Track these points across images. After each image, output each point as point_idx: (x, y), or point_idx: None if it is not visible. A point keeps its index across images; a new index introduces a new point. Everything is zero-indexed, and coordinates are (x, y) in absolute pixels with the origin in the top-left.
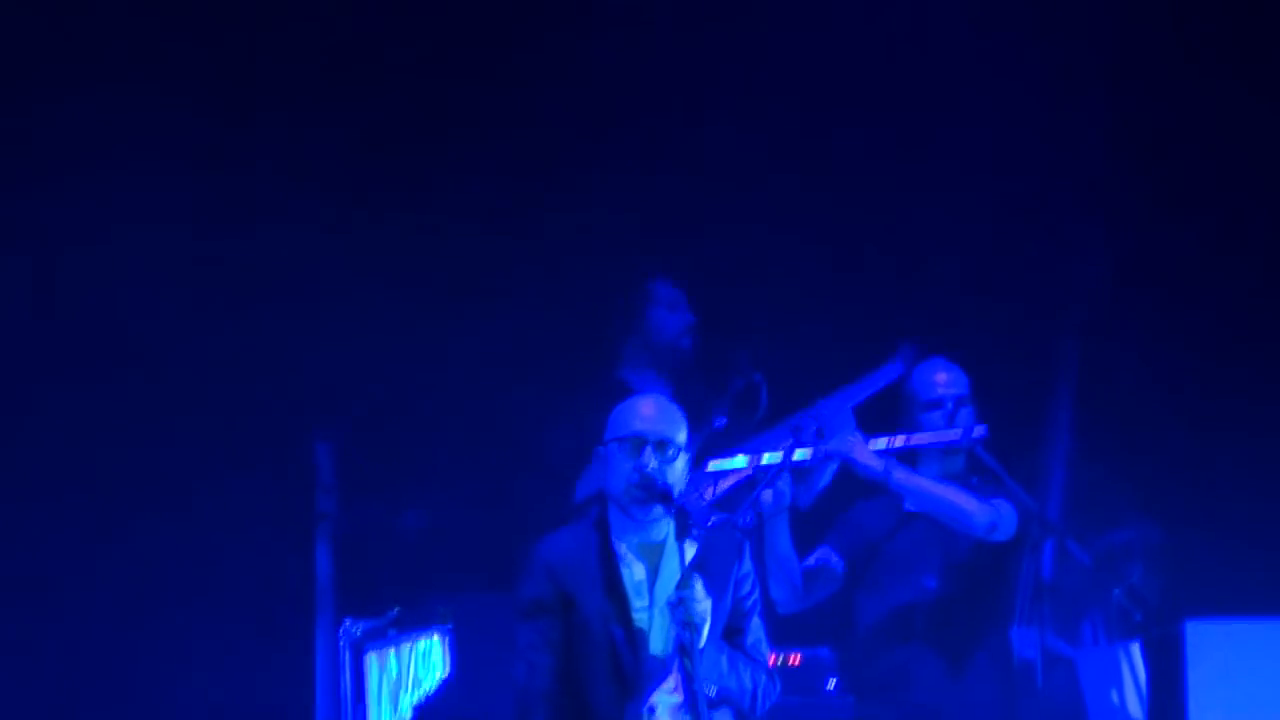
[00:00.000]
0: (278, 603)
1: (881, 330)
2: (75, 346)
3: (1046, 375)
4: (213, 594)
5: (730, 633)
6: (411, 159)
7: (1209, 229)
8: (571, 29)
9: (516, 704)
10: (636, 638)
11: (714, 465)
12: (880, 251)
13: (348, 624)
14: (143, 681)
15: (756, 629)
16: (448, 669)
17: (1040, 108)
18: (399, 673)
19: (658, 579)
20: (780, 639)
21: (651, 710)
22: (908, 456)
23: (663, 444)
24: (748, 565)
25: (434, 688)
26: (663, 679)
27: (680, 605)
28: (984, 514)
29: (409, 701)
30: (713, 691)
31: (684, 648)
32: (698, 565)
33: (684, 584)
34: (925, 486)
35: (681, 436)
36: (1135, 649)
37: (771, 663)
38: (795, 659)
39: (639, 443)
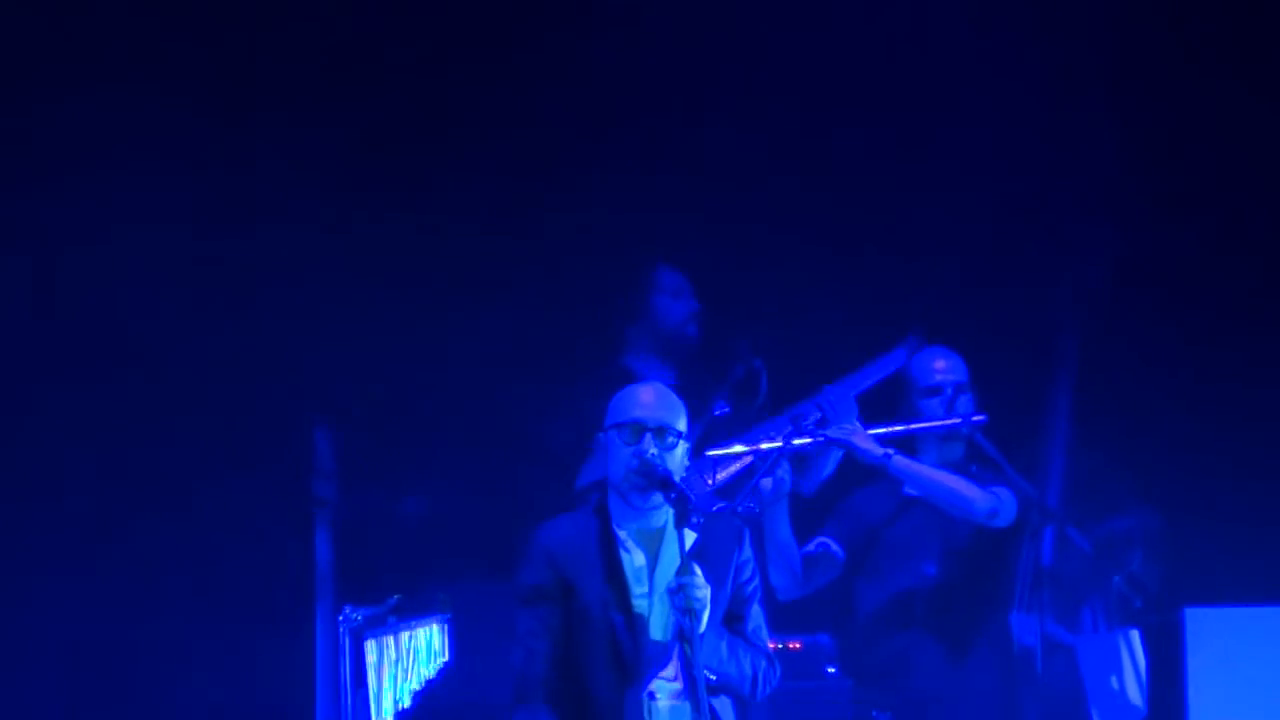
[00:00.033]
0: (277, 590)
1: (882, 318)
2: (75, 338)
3: (1046, 362)
4: (212, 581)
5: (730, 619)
6: (412, 154)
7: (1209, 220)
8: (572, 27)
9: (515, 690)
10: (636, 624)
11: (714, 452)
12: (881, 240)
13: (347, 611)
14: (142, 668)
15: (757, 615)
16: (447, 656)
17: (1040, 98)
18: (399, 660)
19: (658, 565)
20: (780, 626)
21: (651, 696)
22: (906, 444)
23: (662, 431)
24: (748, 552)
25: (434, 675)
26: (662, 665)
27: (680, 592)
28: (984, 500)
29: (409, 689)
30: (712, 677)
31: (684, 634)
32: (697, 552)
33: (683, 570)
34: (925, 473)
35: (681, 423)
36: (1135, 636)
37: (771, 649)
38: (795, 645)
39: (638, 429)
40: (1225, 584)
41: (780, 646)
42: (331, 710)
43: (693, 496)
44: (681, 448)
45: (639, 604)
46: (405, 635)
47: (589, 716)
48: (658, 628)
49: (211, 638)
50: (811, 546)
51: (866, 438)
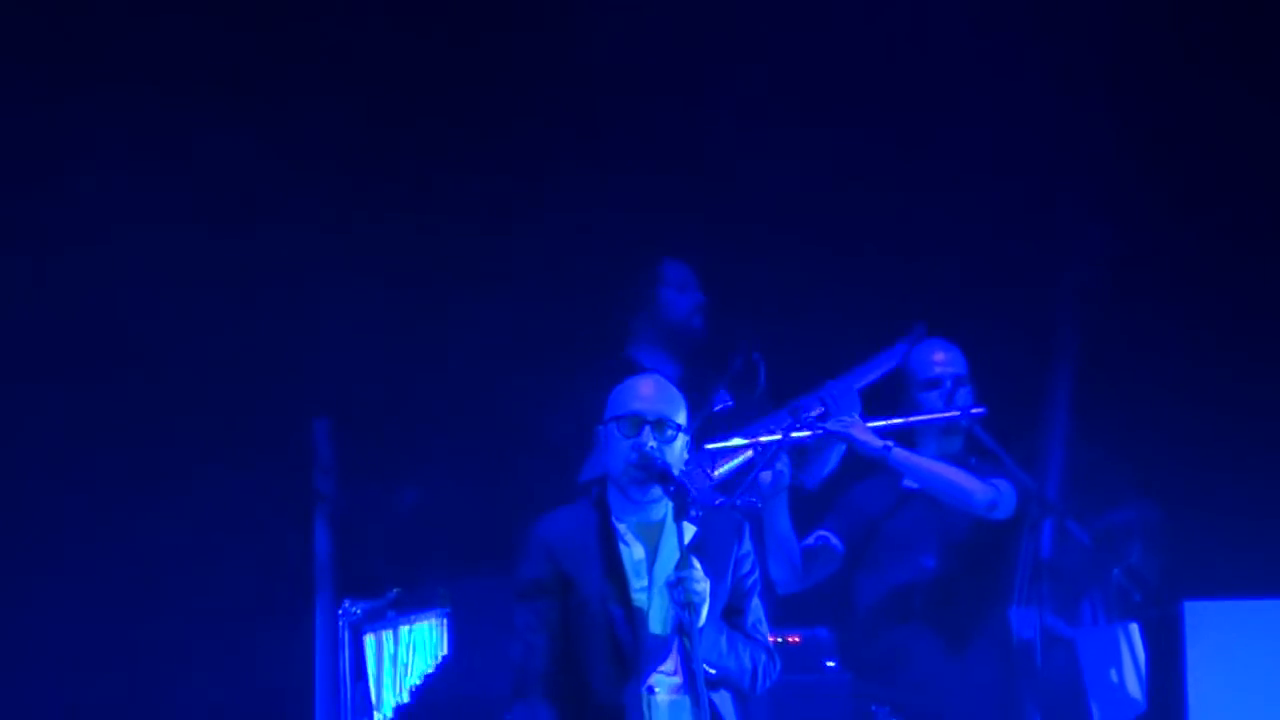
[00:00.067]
0: (277, 583)
1: (882, 314)
2: (75, 337)
3: (1045, 355)
4: (212, 575)
5: (730, 613)
6: (410, 150)
7: (1208, 216)
8: (572, 23)
9: (514, 684)
10: (635, 617)
11: (712, 446)
12: (881, 237)
13: (347, 605)
14: (141, 663)
15: (756, 609)
16: (447, 650)
17: (1040, 98)
18: (398, 654)
19: (657, 559)
20: (779, 619)
21: (650, 690)
22: (906, 436)
23: (661, 423)
24: (747, 545)
25: (433, 669)
26: (662, 659)
27: (679, 585)
28: (984, 492)
29: (408, 683)
30: (712, 672)
31: (683, 628)
32: (697, 546)
33: (683, 564)
34: (925, 465)
35: (680, 416)
36: (1134, 629)
37: (771, 643)
38: (794, 639)
39: (637, 422)
40: (1225, 577)
41: (779, 640)
42: (331, 704)
43: (692, 490)
44: (681, 441)
45: (638, 598)
46: (405, 629)
47: (588, 711)
48: (657, 622)
49: (211, 631)
50: (811, 540)
51: (866, 430)
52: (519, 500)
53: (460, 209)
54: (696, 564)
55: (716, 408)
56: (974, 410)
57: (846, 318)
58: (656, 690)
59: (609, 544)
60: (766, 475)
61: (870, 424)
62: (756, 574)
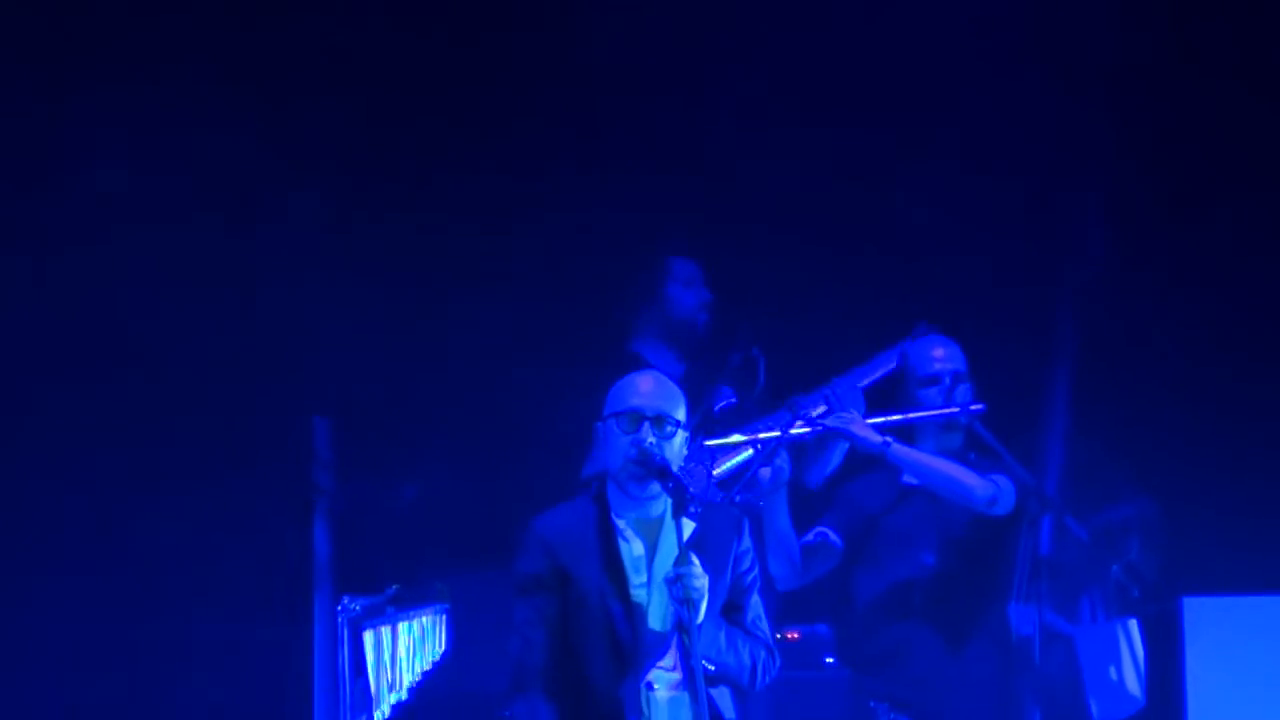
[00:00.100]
0: (276, 580)
1: (881, 311)
2: (75, 336)
3: (1044, 351)
4: (211, 571)
5: (730, 609)
6: (410, 149)
7: (1207, 213)
8: (572, 22)
9: (512, 680)
10: (634, 614)
11: (711, 442)
12: (881, 234)
13: (346, 601)
14: (140, 659)
15: (756, 605)
16: (446, 646)
17: (1040, 98)
18: (397, 650)
19: (656, 555)
20: (778, 616)
21: (649, 686)
22: (905, 433)
23: (660, 419)
24: (747, 542)
25: (432, 665)
26: (661, 655)
27: (677, 582)
28: (983, 488)
29: (407, 679)
30: (711, 668)
31: (682, 624)
32: (696, 542)
33: (681, 560)
34: (924, 460)
35: (680, 413)
36: (1133, 625)
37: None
38: (793, 635)
39: (636, 418)
40: (1223, 573)
41: (779, 636)
42: (330, 700)
43: (690, 486)
44: (680, 437)
45: (637, 594)
46: (404, 625)
47: (586, 706)
48: (656, 617)
49: (210, 628)
50: (810, 536)
51: (865, 426)
52: (518, 496)
53: (460, 209)
54: (695, 560)
55: (720, 405)
56: (973, 407)
57: (846, 317)
58: (655, 686)
59: (608, 540)
60: (766, 471)
61: (869, 420)
62: (756, 570)
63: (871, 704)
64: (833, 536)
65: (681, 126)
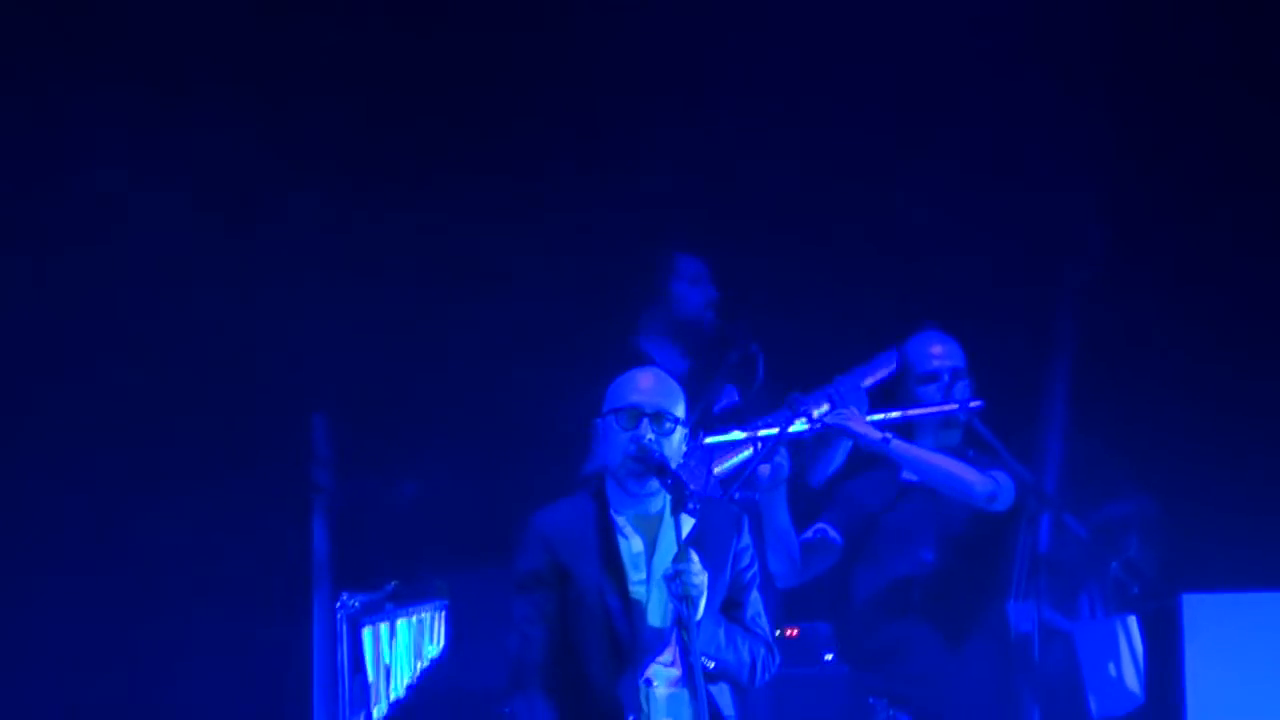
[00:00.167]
0: (275, 576)
1: (881, 310)
2: (74, 331)
3: (1043, 348)
4: (210, 568)
5: (729, 606)
6: (409, 147)
7: (1206, 211)
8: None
9: (511, 676)
10: (633, 610)
11: (711, 439)
12: (881, 234)
13: (345, 598)
14: (140, 656)
15: (755, 602)
16: (444, 642)
17: (1040, 98)
18: (395, 646)
19: (655, 552)
20: (778, 612)
21: (648, 682)
22: (904, 430)
23: (659, 416)
24: (746, 539)
25: (430, 661)
26: (659, 651)
27: (676, 579)
28: (983, 483)
29: (406, 676)
30: (710, 665)
31: (681, 621)
32: (695, 539)
33: (680, 557)
34: (924, 456)
35: (679, 409)
36: (1132, 622)
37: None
38: (792, 632)
39: (635, 415)
40: (1222, 570)
41: (778, 633)
42: (329, 696)
43: (690, 483)
44: (679, 434)
45: (636, 590)
46: (402, 621)
47: (585, 703)
48: (655, 614)
49: (210, 625)
50: (810, 533)
51: (864, 423)
52: (517, 493)
53: (460, 209)
54: (694, 557)
55: (723, 404)
56: (972, 403)
57: (846, 316)
58: (654, 683)
59: (607, 536)
60: (765, 468)
61: (869, 417)
62: (755, 567)
63: (871, 700)
64: (832, 533)
65: (681, 126)
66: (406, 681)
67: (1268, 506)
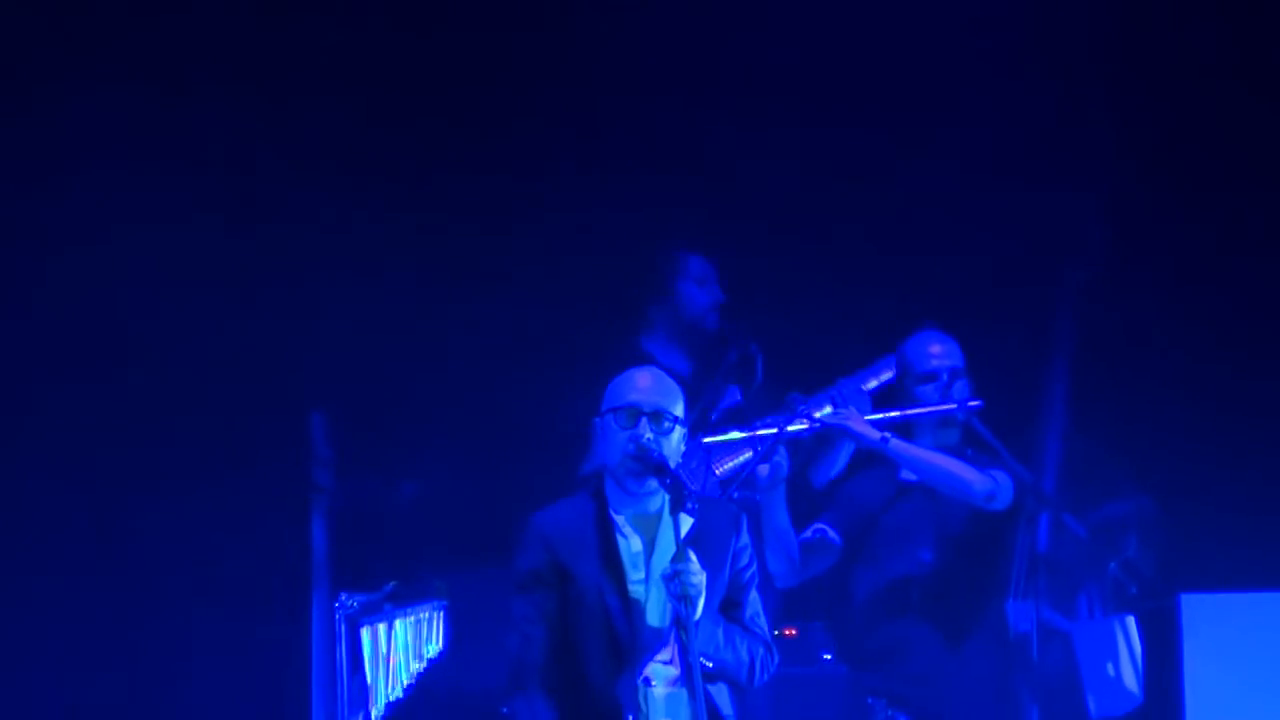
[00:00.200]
0: (274, 576)
1: (881, 311)
2: (74, 331)
3: (1042, 348)
4: (209, 568)
5: (728, 606)
6: (409, 147)
7: (1206, 210)
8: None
9: (510, 676)
10: (632, 609)
11: (709, 439)
12: (881, 234)
13: (343, 598)
14: (139, 655)
15: (754, 602)
16: (443, 643)
17: (1040, 90)
18: (394, 647)
19: (654, 551)
20: (776, 612)
21: (647, 682)
22: (903, 429)
23: (658, 415)
24: (745, 538)
25: (429, 661)
26: (658, 651)
27: (675, 578)
28: (982, 482)
29: (405, 676)
30: (709, 664)
31: (680, 620)
32: (694, 538)
33: (679, 557)
34: (923, 455)
35: (678, 409)
36: (1131, 622)
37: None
38: (791, 632)
39: (634, 414)
40: (1221, 570)
41: (776, 633)
42: (328, 696)
43: (689, 482)
44: (678, 433)
45: (635, 589)
46: (401, 622)
47: (584, 702)
48: (654, 613)
49: (208, 624)
50: (809, 533)
51: (863, 422)
52: (517, 493)
53: (460, 209)
54: (693, 557)
55: (724, 404)
56: (971, 403)
57: (846, 317)
58: (653, 682)
59: (606, 535)
60: (764, 468)
61: (868, 417)
62: (754, 567)
63: (869, 700)
64: (831, 533)
65: (681, 126)
66: (406, 682)
67: (1267, 506)
